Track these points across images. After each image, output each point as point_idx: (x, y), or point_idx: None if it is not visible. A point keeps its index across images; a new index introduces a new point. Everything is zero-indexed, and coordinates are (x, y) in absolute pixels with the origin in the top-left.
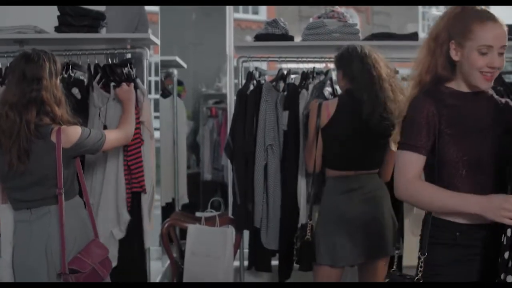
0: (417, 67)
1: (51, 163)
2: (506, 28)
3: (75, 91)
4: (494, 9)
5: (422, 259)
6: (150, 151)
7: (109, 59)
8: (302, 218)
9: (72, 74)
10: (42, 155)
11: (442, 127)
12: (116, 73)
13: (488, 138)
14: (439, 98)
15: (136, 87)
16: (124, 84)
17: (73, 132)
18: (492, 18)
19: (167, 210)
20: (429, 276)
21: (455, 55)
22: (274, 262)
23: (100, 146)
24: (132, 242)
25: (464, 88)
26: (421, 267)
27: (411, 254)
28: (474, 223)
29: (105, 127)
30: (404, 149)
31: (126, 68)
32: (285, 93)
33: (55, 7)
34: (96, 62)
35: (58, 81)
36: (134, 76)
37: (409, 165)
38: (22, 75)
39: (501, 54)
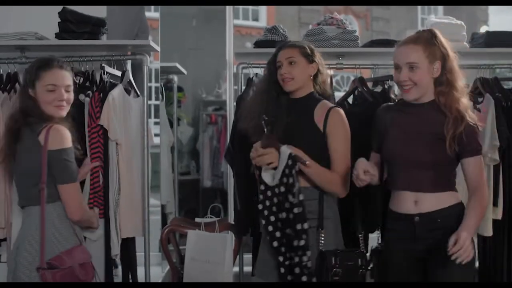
0: None
1: (37, 159)
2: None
3: (82, 97)
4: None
5: None
6: (114, 153)
7: (108, 66)
8: None
9: (77, 81)
10: (30, 150)
11: None
12: (94, 80)
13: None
14: None
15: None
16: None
17: (63, 136)
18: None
19: (163, 215)
20: None
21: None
22: None
23: (68, 180)
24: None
25: None
26: None
27: None
28: None
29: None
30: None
31: (104, 76)
32: None
33: (56, 14)
34: (94, 68)
35: (40, 88)
36: (108, 82)
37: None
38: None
39: (411, 68)
